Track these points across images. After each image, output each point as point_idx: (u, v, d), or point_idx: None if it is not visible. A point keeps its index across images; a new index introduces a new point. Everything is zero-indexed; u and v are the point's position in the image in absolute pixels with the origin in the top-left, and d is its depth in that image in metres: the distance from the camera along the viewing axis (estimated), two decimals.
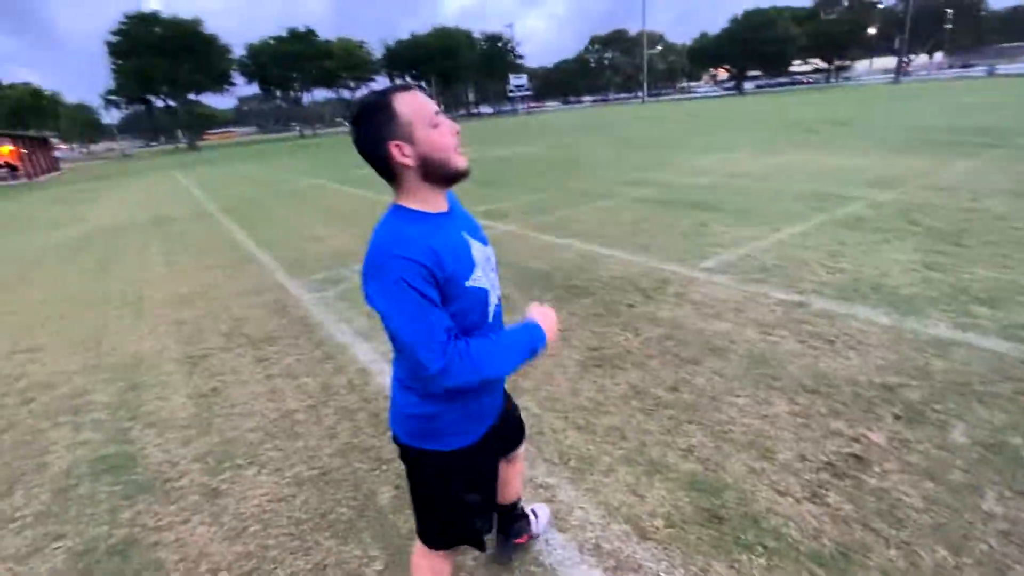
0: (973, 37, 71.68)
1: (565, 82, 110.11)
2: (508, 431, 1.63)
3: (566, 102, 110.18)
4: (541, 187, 9.62)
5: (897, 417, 2.44)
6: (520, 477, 1.86)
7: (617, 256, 5.15)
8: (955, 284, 3.75)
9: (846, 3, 66.28)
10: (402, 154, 1.14)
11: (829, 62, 72.00)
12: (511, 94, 77.95)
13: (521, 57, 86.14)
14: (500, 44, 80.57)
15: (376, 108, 1.12)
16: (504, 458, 1.70)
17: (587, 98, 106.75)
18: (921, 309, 3.43)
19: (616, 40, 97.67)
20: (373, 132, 1.13)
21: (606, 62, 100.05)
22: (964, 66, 65.36)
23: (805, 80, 71.58)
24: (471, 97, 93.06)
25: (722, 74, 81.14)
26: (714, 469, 2.24)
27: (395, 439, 1.39)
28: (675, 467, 2.27)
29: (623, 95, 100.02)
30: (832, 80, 70.14)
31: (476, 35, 78.12)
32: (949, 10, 62.95)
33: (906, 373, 2.76)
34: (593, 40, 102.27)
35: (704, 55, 73.09)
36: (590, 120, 35.07)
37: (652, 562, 1.84)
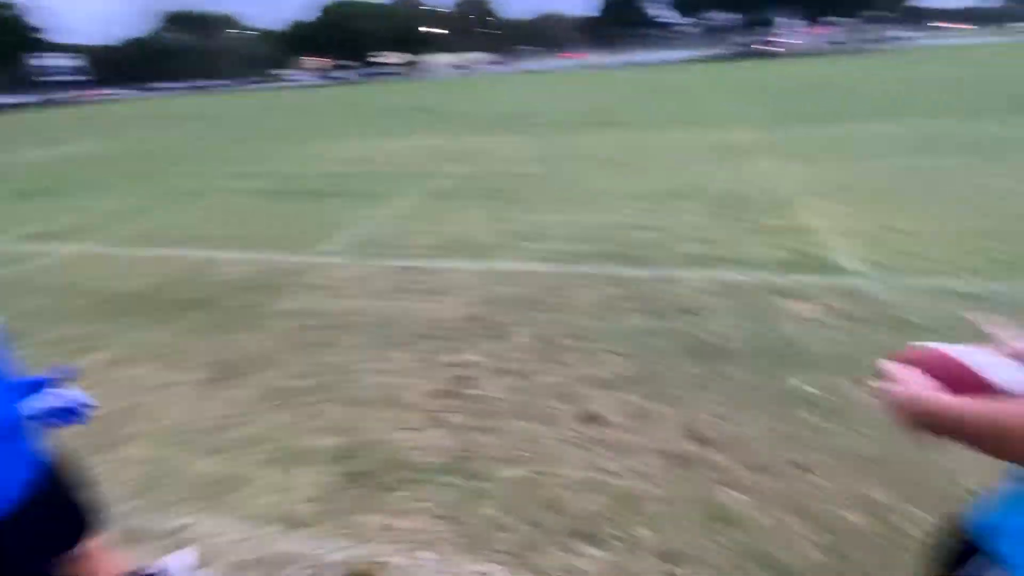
0: (506, 41, 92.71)
1: (135, 65, 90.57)
2: None
3: (144, 89, 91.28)
4: (127, 191, 7.84)
5: (485, 337, 3.10)
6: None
7: (234, 257, 4.71)
8: (512, 230, 4.93)
9: (408, 3, 75.49)
10: None
11: (404, 55, 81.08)
12: (43, 79, 59.08)
13: (38, 31, 64.02)
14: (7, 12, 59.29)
15: None
16: None
17: (172, 85, 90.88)
18: (492, 252, 4.39)
19: (191, 20, 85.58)
20: None
21: (184, 44, 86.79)
22: (503, 63, 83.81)
23: (392, 72, 78.91)
24: None
25: (318, 63, 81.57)
26: (354, 434, 2.38)
27: None
28: (318, 449, 2.31)
29: (215, 82, 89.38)
30: (410, 73, 79.54)
31: None
32: (490, 18, 79.30)
33: (488, 303, 3.51)
34: (167, 18, 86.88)
35: (298, 42, 71.76)
36: (180, 109, 30.15)
37: (307, 546, 1.85)
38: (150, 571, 1.69)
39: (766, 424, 2.26)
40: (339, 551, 1.81)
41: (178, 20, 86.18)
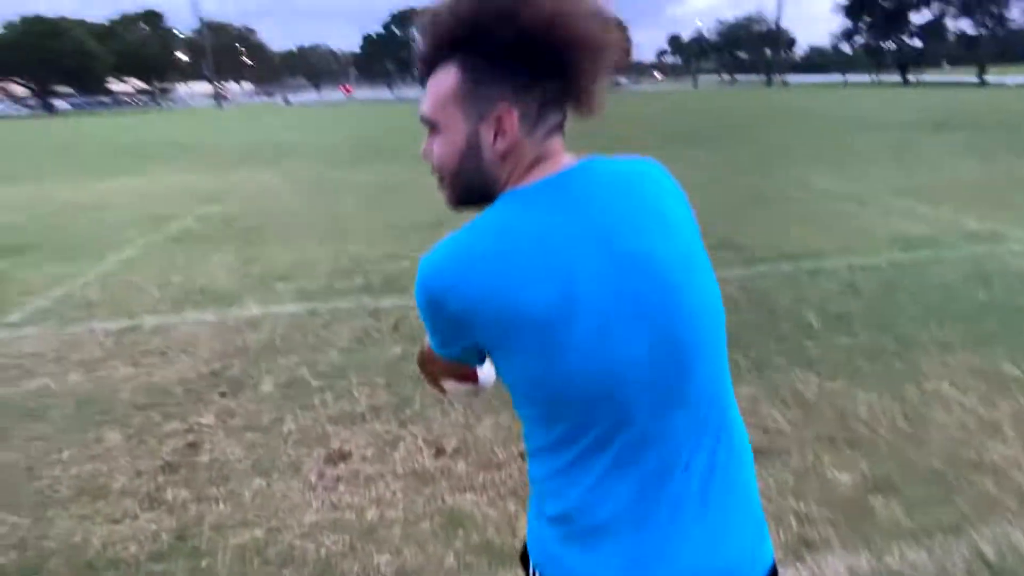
0: (270, 72, 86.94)
1: None
2: None
3: None
4: None
5: (223, 394, 2.81)
6: None
7: None
8: (263, 271, 4.59)
9: (144, 26, 65.74)
10: None
11: (149, 83, 70.43)
12: None
13: None
14: None
15: None
16: None
17: None
18: (239, 298, 4.02)
19: None
20: None
21: None
22: (268, 95, 78.58)
23: (130, 101, 67.51)
24: None
25: (15, 88, 65.27)
26: (38, 543, 1.92)
27: None
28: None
29: None
30: (159, 103, 69.40)
31: None
32: (242, 47, 73.35)
33: (228, 356, 3.20)
34: None
35: None
36: None
37: None
38: None
39: (498, 423, 2.49)
40: None
41: None
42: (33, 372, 3.09)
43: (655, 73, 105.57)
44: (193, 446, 2.42)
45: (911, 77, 53.90)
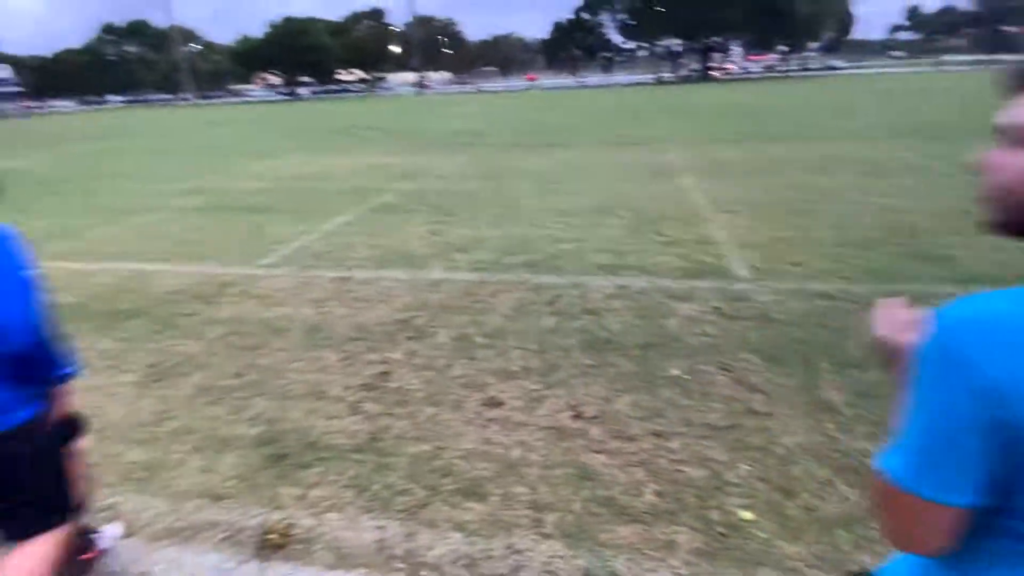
0: (466, 61, 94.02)
1: (75, 77, 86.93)
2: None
3: (85, 102, 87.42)
4: (57, 208, 7.75)
5: (409, 338, 3.40)
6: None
7: (169, 270, 4.85)
8: (446, 242, 5.27)
9: (370, 23, 75.67)
10: None
11: (368, 73, 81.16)
12: None
13: None
14: None
15: None
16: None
17: (115, 98, 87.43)
18: (426, 262, 4.71)
19: (138, 31, 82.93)
20: None
21: (130, 56, 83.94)
22: (463, 83, 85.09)
23: (352, 89, 78.68)
24: None
25: (274, 79, 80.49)
26: (279, 423, 2.64)
27: None
28: (243, 436, 2.56)
29: (164, 96, 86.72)
30: (373, 91, 79.66)
31: None
32: (444, 39, 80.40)
33: (415, 308, 3.82)
34: (107, 29, 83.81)
35: (250, 58, 70.60)
36: (123, 125, 29.28)
37: (227, 515, 2.10)
38: (100, 529, 1.89)
39: (637, 402, 2.65)
40: (255, 517, 2.07)
41: (125, 32, 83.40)
42: (281, 301, 4.06)
43: (891, 53, 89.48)
44: (385, 374, 3.02)
45: None
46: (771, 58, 69.39)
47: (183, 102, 71.31)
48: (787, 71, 63.24)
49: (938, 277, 3.94)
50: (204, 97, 77.58)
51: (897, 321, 0.75)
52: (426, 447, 2.41)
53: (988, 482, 0.52)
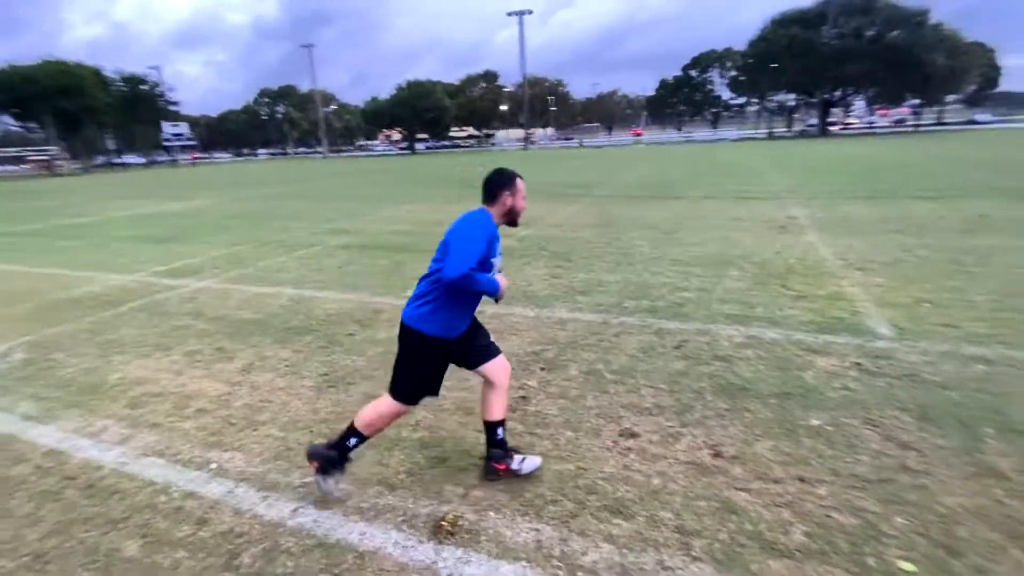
0: (568, 117, 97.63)
1: (235, 133, 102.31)
2: (472, 352, 2.52)
3: (239, 154, 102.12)
4: (234, 241, 9.17)
5: (542, 368, 3.67)
6: (496, 402, 2.53)
7: (330, 296, 5.59)
8: (567, 285, 5.57)
9: (484, 84, 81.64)
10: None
11: (479, 130, 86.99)
12: (167, 143, 68.25)
13: (175, 103, 76.00)
14: (144, 87, 69.31)
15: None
16: (478, 372, 2.53)
17: (263, 151, 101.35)
18: (550, 303, 5.01)
19: (287, 95, 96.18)
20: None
21: (279, 115, 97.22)
22: (566, 139, 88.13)
23: (463, 144, 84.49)
24: (112, 145, 76.77)
25: (395, 135, 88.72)
26: (437, 431, 2.98)
27: (402, 322, 2.41)
28: (408, 439, 2.92)
29: (302, 150, 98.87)
30: (483, 145, 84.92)
31: (109, 73, 64.95)
32: (551, 97, 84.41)
33: (544, 342, 4.10)
34: (263, 93, 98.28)
35: (377, 116, 78.69)
36: (273, 173, 33.74)
37: (402, 502, 2.43)
38: (525, 456, 2.58)
39: (778, 448, 2.67)
40: (426, 507, 2.38)
41: (277, 95, 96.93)
42: None
43: None
44: (524, 399, 3.29)
45: None
46: (903, 111, 64.71)
47: (317, 155, 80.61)
48: (919, 125, 58.47)
49: None
50: (335, 151, 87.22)
51: None
52: (570, 466, 2.62)
53: None
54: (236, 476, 2.66)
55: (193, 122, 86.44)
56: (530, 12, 64.58)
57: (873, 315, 4.34)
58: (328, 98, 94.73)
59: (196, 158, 79.72)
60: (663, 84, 76.25)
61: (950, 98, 61.66)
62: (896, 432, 2.74)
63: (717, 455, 2.65)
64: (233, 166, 56.50)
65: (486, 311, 4.87)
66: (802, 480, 2.43)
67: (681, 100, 74.89)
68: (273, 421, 3.18)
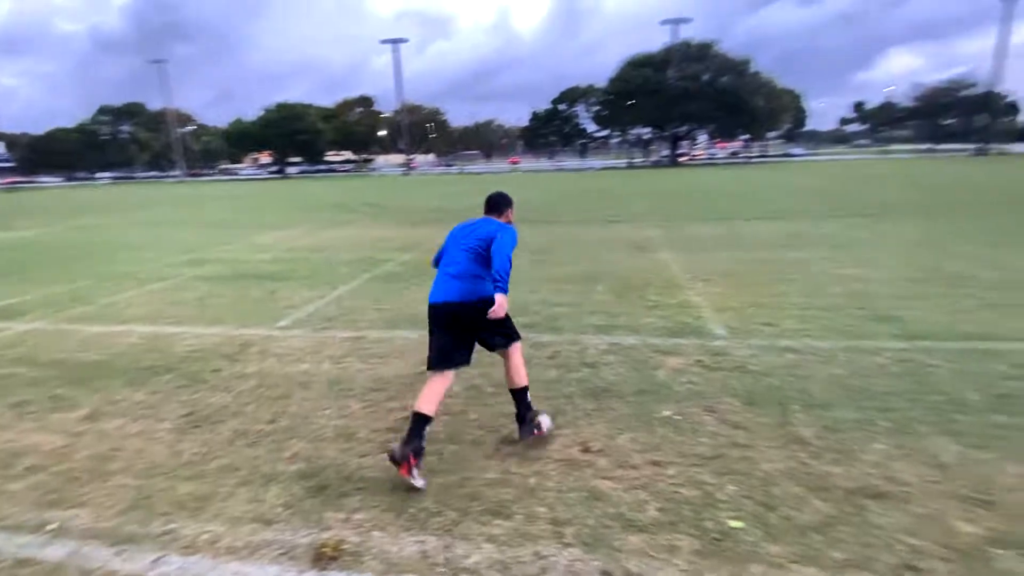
0: (448, 144, 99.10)
1: (67, 154, 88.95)
2: (484, 334, 2.96)
3: (72, 178, 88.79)
4: (72, 275, 8.02)
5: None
6: (515, 372, 3.00)
7: (190, 332, 5.15)
8: None
9: (360, 109, 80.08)
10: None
11: (357, 154, 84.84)
12: None
13: None
14: None
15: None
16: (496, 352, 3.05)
17: (105, 174, 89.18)
18: None
19: (134, 113, 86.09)
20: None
21: (123, 135, 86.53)
22: (447, 165, 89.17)
23: (340, 169, 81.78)
24: None
25: (264, 158, 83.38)
26: (316, 461, 2.92)
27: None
28: (284, 471, 2.82)
29: (154, 173, 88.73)
30: (361, 170, 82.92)
31: None
32: (431, 124, 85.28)
33: None
34: (103, 110, 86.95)
35: (243, 138, 73.39)
36: (119, 199, 29.87)
37: (280, 535, 2.35)
38: (540, 418, 3.03)
39: (636, 438, 3.01)
40: (306, 536, 2.33)
41: (121, 113, 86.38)
42: (301, 359, 4.38)
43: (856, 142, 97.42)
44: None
45: None
46: (736, 144, 74.88)
47: (172, 179, 73.02)
48: (750, 157, 68.01)
49: (890, 334, 4.48)
50: (193, 174, 79.61)
51: None
52: (454, 478, 2.72)
53: None
54: (82, 534, 2.38)
55: (9, 141, 73.72)
56: (405, 41, 65.27)
57: (712, 319, 5.03)
58: (185, 118, 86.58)
59: (13, 183, 67.90)
60: (535, 116, 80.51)
61: (771, 134, 72.83)
62: (729, 415, 3.23)
63: (586, 450, 2.92)
64: (66, 191, 49.02)
65: (368, 336, 4.83)
66: (655, 464, 2.77)
67: (552, 131, 79.56)
68: (126, 470, 2.89)
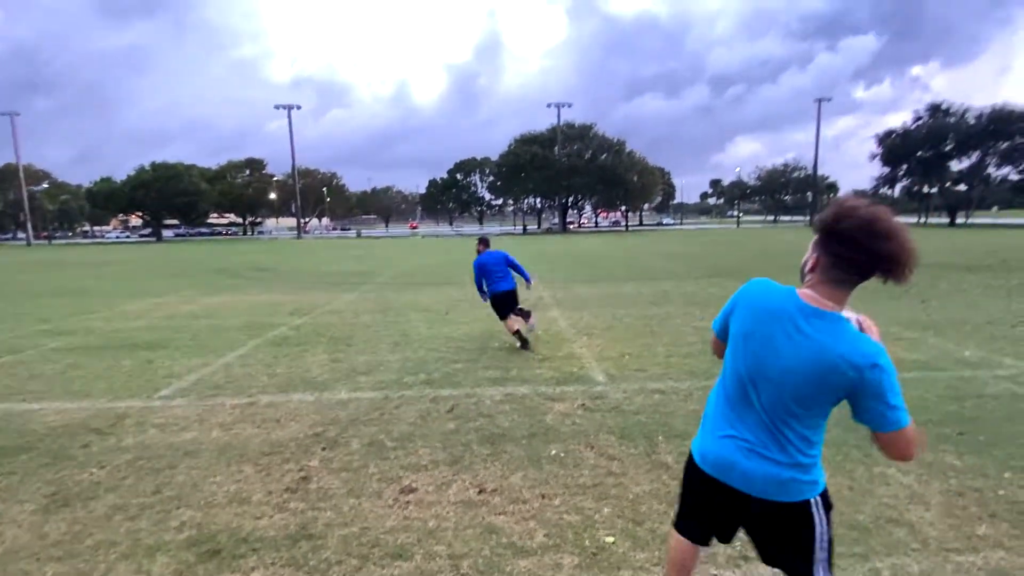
0: (345, 209, 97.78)
1: None
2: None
3: None
4: None
5: (323, 448, 3.77)
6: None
7: (51, 407, 4.69)
8: (349, 367, 5.74)
9: (249, 172, 77.01)
10: None
11: (243, 218, 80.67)
12: None
13: None
14: None
15: None
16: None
17: None
18: (330, 386, 5.12)
19: None
20: None
21: None
22: (344, 229, 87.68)
23: (224, 232, 76.98)
24: None
25: (134, 220, 76.25)
26: (207, 527, 2.85)
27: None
28: (172, 540, 2.73)
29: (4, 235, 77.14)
30: (249, 233, 78.66)
31: None
32: (326, 189, 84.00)
33: (326, 424, 4.20)
34: None
35: (110, 199, 66.75)
36: None
37: None
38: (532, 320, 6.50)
39: (527, 476, 3.31)
40: None
41: None
42: (186, 428, 4.18)
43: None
44: (305, 479, 3.35)
45: (960, 219, 54.76)
46: (616, 214, 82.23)
47: (18, 242, 64.01)
48: (628, 225, 74.84)
49: None
50: (45, 237, 70.45)
51: None
52: (354, 528, 2.81)
53: None
54: None
55: None
56: (298, 107, 64.72)
57: (594, 368, 5.58)
58: (39, 175, 77.41)
59: None
60: (433, 183, 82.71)
61: (645, 206, 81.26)
62: (606, 449, 3.65)
63: (481, 491, 3.15)
64: None
65: (260, 401, 4.74)
66: (544, 496, 3.07)
67: (450, 198, 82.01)
68: None
